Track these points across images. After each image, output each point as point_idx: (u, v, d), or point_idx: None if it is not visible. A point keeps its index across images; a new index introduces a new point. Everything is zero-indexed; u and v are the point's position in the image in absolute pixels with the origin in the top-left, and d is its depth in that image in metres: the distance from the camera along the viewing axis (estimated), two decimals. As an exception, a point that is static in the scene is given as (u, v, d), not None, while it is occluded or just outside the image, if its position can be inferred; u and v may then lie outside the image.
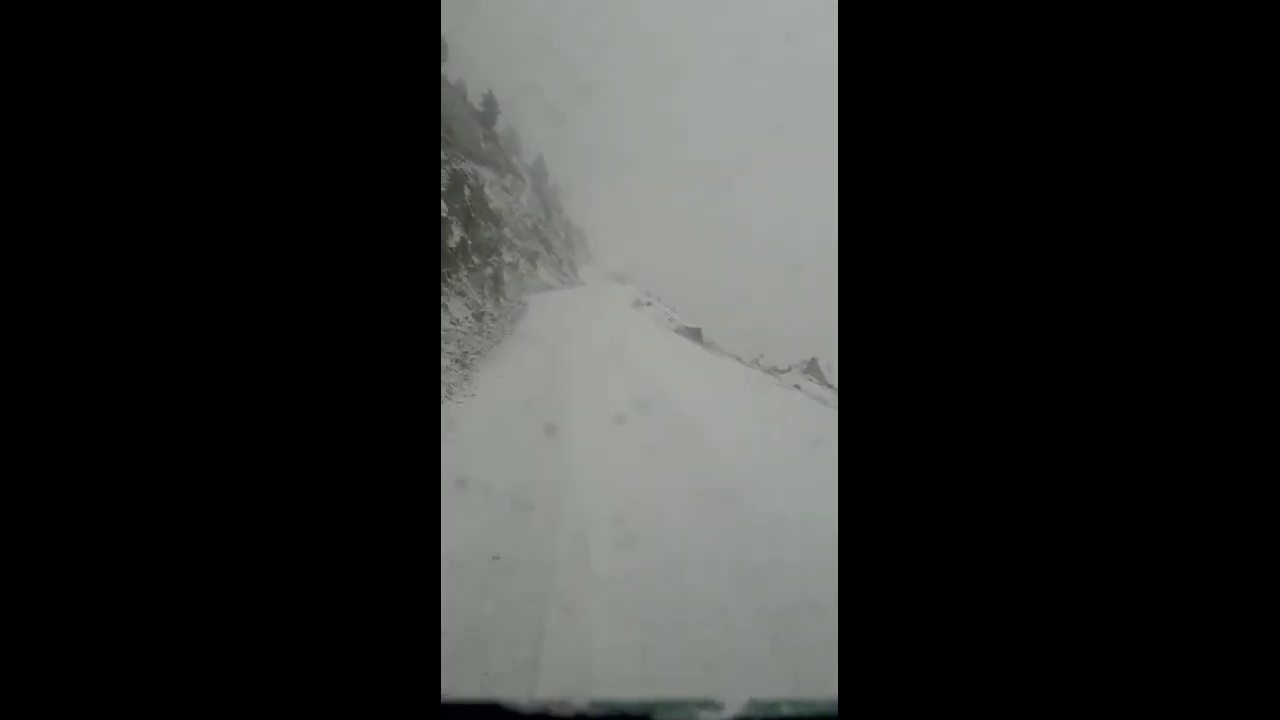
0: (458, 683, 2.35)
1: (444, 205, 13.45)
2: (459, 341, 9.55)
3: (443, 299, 10.64)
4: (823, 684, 2.73)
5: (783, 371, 11.87)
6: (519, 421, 5.90)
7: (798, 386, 9.14)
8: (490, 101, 31.97)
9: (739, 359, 13.00)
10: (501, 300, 16.84)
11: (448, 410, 6.04)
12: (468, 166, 19.42)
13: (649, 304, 21.09)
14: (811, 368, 12.68)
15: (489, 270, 16.77)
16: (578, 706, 0.85)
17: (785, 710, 0.85)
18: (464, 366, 8.17)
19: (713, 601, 2.77)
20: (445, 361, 8.01)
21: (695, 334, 15.53)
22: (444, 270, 11.85)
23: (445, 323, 10.02)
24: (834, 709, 0.87)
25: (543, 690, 2.26)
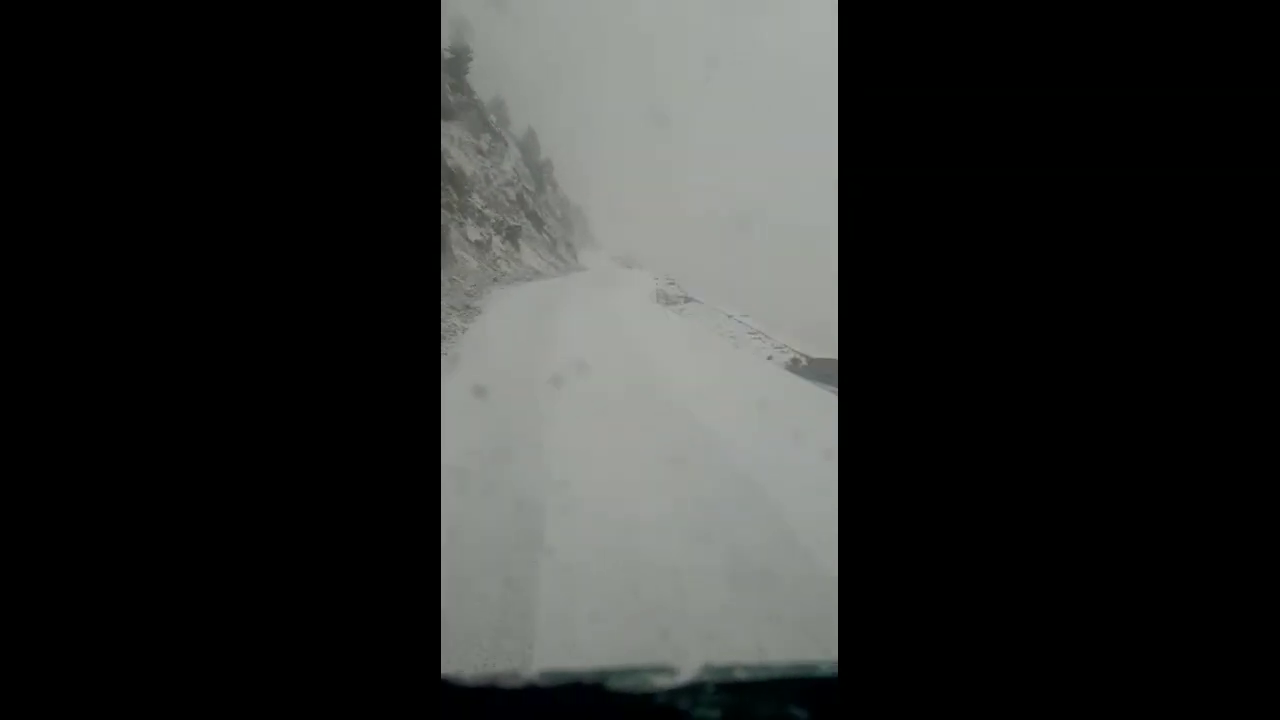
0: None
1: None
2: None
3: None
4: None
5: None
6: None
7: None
8: (460, 47, 26.48)
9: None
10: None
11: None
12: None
13: (685, 299, 14.82)
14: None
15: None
16: (527, 678, 0.81)
17: (740, 675, 0.83)
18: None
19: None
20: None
21: (832, 374, 8.23)
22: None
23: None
24: (791, 672, 0.85)
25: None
